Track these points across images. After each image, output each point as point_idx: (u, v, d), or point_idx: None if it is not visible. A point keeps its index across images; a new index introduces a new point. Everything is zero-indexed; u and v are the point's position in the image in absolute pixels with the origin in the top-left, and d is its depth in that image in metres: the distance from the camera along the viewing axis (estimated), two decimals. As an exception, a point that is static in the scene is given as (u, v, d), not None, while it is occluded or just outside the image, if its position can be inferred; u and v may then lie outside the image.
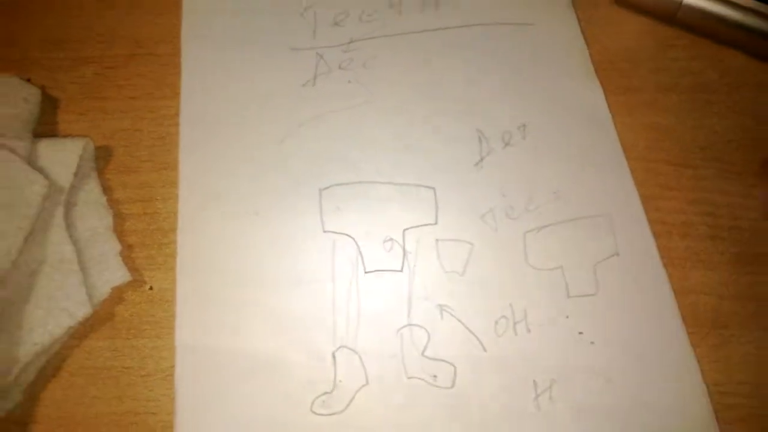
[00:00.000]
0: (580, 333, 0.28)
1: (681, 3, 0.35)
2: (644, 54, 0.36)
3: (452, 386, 0.27)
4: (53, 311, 0.27)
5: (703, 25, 0.36)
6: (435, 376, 0.27)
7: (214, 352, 0.27)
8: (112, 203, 0.31)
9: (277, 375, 0.27)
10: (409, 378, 0.27)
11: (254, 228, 0.30)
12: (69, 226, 0.29)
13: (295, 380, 0.27)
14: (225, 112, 0.33)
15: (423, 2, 0.37)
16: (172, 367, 0.27)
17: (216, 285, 0.28)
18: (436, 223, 0.30)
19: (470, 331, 0.28)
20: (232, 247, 0.29)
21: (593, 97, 0.34)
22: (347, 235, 0.30)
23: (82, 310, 0.27)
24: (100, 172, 0.31)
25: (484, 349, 0.28)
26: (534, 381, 0.27)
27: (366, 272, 0.29)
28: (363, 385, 0.27)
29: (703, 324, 0.29)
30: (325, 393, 0.27)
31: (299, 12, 0.36)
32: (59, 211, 0.29)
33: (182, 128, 0.32)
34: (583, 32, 0.36)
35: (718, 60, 0.36)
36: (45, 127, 0.32)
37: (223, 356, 0.27)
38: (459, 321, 0.28)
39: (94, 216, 0.30)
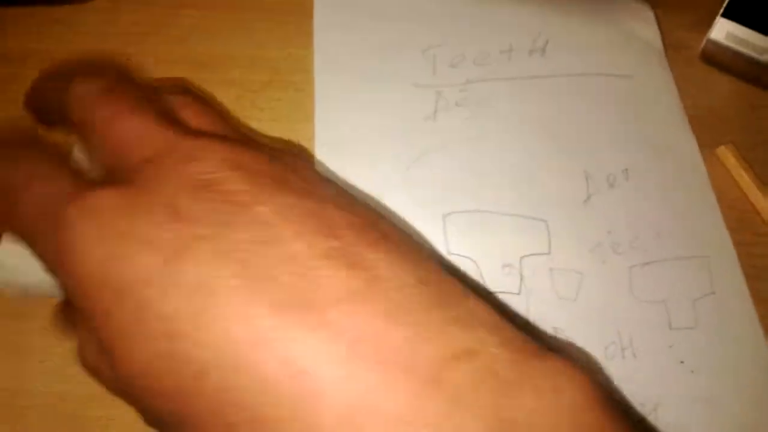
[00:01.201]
0: (682, 362, 0.31)
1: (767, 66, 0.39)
2: (731, 111, 0.40)
3: (566, 402, 0.30)
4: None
5: (786, 89, 0.40)
6: (551, 392, 0.30)
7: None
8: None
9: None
10: (527, 392, 0.30)
11: (385, 246, 0.33)
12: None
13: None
14: (355, 140, 0.36)
15: (530, 50, 0.40)
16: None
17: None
18: (549, 253, 0.33)
19: (583, 352, 0.31)
20: (366, 262, 0.32)
21: (688, 148, 0.37)
22: (469, 258, 0.33)
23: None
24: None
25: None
26: (641, 403, 0.30)
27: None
28: (486, 396, 0.30)
29: (790, 361, 0.32)
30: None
31: (421, 51, 0.39)
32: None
33: (317, 152, 0.35)
34: (677, 87, 0.39)
35: (799, 120, 0.40)
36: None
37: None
38: (572, 343, 0.31)
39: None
